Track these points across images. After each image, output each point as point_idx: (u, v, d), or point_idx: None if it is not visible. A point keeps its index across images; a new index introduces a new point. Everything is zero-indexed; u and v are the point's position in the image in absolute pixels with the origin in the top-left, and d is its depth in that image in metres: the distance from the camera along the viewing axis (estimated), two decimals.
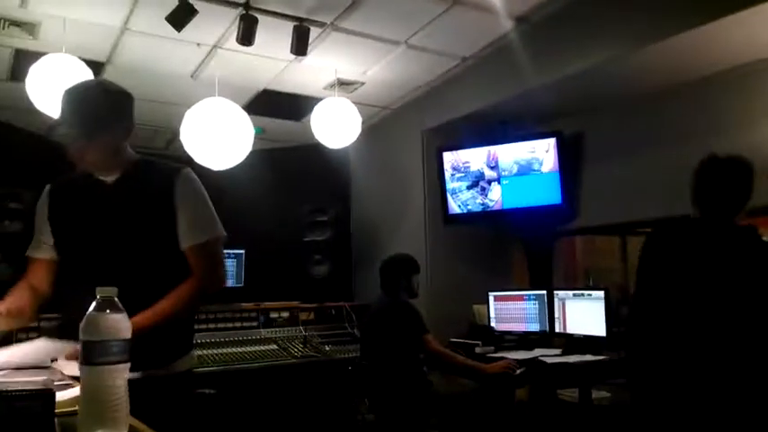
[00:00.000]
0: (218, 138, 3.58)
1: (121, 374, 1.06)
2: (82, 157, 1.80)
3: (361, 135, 4.08)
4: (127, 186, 1.86)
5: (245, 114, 3.73)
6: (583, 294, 3.64)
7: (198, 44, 3.52)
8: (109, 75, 3.81)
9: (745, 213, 2.27)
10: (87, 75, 3.17)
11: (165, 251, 1.82)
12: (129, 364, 1.08)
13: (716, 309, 2.09)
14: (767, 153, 3.22)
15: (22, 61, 3.50)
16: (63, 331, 1.71)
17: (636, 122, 3.83)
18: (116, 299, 1.09)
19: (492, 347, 3.68)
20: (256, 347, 3.74)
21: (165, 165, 1.96)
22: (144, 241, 1.80)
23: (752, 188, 2.24)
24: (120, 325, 1.07)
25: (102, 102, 1.82)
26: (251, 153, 3.78)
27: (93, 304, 1.08)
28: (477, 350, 3.63)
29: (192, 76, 3.93)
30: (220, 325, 3.89)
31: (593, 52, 3.29)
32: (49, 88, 3.07)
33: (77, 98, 1.80)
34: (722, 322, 2.08)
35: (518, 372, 3.24)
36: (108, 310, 1.07)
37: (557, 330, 3.76)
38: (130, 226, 1.80)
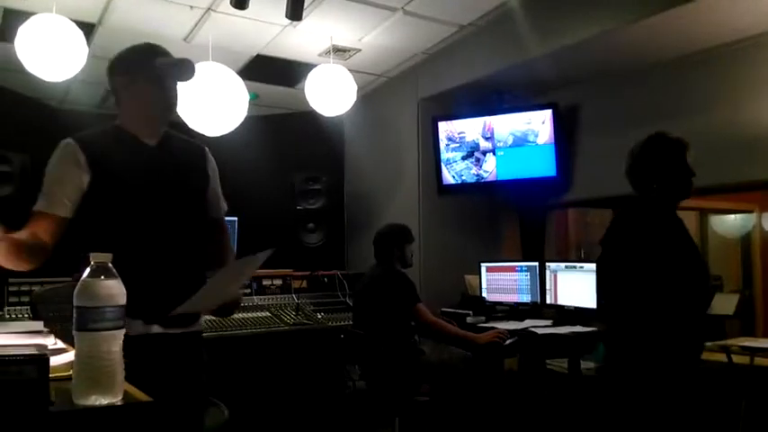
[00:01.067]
0: (212, 103, 3.54)
1: (116, 341, 1.05)
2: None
3: (356, 103, 4.03)
4: (168, 151, 1.88)
5: (239, 79, 3.68)
6: (575, 267, 3.66)
7: (191, 7, 3.45)
8: (100, 36, 3.73)
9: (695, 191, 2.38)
10: (78, 36, 3.11)
11: (202, 216, 1.93)
12: (123, 331, 1.07)
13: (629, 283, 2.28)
14: (755, 128, 3.22)
15: (11, 21, 3.42)
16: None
17: (631, 96, 3.81)
18: (110, 264, 1.08)
19: (483, 318, 3.71)
20: (249, 314, 3.75)
21: (184, 136, 2.01)
22: (192, 204, 1.88)
23: (684, 166, 2.33)
24: (115, 291, 1.07)
25: None
26: (245, 119, 3.74)
27: (87, 270, 1.07)
28: (469, 320, 3.66)
29: (185, 40, 3.86)
30: None
31: (592, 23, 3.26)
32: (38, 49, 3.01)
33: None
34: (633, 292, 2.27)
35: (508, 342, 3.28)
36: (102, 276, 1.06)
37: (548, 302, 3.80)
38: (180, 189, 1.85)
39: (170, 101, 1.85)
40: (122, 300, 1.07)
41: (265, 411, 3.59)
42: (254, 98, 4.67)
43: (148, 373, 1.36)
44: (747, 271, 4.99)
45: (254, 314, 3.80)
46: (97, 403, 1.01)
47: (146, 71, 1.81)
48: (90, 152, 1.75)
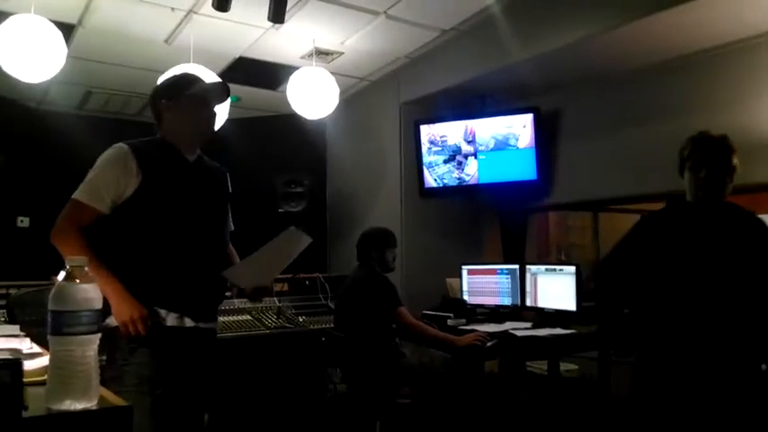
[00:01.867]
0: None
1: (91, 345, 1.05)
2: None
3: (338, 106, 4.04)
4: (204, 168, 2.11)
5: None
6: (555, 269, 3.69)
7: (172, 8, 3.44)
8: (80, 38, 3.70)
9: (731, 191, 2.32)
10: (57, 37, 3.08)
11: (227, 226, 2.19)
12: (99, 335, 1.07)
13: (717, 287, 2.17)
14: (743, 133, 3.27)
15: None
16: (156, 297, 1.87)
17: (611, 100, 3.86)
18: (86, 268, 1.08)
19: (464, 320, 3.72)
20: (229, 318, 3.73)
21: (210, 160, 2.23)
22: (221, 215, 2.14)
23: (735, 167, 2.30)
24: (90, 295, 1.06)
25: None
26: (226, 122, 3.72)
27: (62, 273, 1.06)
28: (450, 323, 3.67)
29: (166, 42, 3.84)
30: None
31: (573, 28, 3.29)
32: (16, 50, 2.97)
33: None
34: (723, 299, 2.16)
35: (488, 344, 3.29)
36: (78, 280, 1.06)
37: (528, 304, 3.82)
38: (213, 201, 2.09)
39: (209, 122, 2.09)
40: (98, 304, 1.07)
41: (246, 415, 3.58)
42: (236, 101, 4.65)
43: (179, 362, 1.85)
44: None
45: (235, 318, 3.79)
46: (72, 408, 1.01)
47: (188, 96, 2.03)
48: (141, 158, 1.92)
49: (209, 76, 3.58)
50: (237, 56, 4.13)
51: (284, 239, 2.01)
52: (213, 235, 2.06)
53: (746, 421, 2.15)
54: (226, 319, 3.68)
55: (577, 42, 3.30)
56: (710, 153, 2.30)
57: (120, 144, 1.95)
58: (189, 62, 3.61)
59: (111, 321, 1.84)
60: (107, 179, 1.89)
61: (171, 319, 1.89)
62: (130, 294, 1.81)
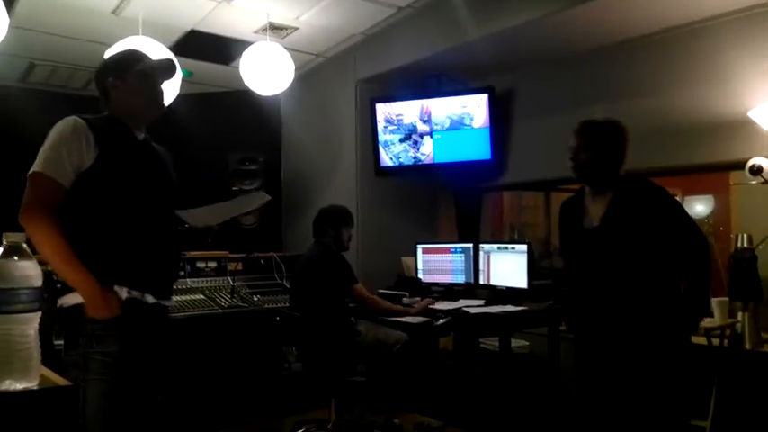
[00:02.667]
0: None
1: (31, 324, 1.02)
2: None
3: (293, 83, 3.98)
4: (152, 147, 2.07)
5: (171, 55, 3.56)
6: (507, 248, 3.75)
7: None
8: (23, 8, 3.54)
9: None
10: None
11: (176, 206, 2.12)
12: (39, 313, 1.04)
13: (617, 260, 2.37)
14: (679, 115, 3.37)
15: None
16: (118, 274, 1.82)
17: (563, 82, 3.91)
18: (24, 245, 1.04)
19: (419, 298, 3.76)
20: (182, 297, 3.68)
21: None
22: (172, 194, 2.10)
23: (625, 150, 2.46)
24: (30, 272, 1.03)
25: None
26: (178, 97, 3.63)
27: (1, 250, 1.02)
28: (405, 301, 3.70)
29: (113, 13, 3.70)
30: None
31: (530, 7, 3.31)
32: None
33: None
34: (624, 272, 2.35)
35: (441, 321, 3.35)
36: (16, 257, 1.02)
37: (481, 282, 3.88)
38: (164, 179, 2.06)
39: (158, 99, 2.03)
40: (38, 281, 1.04)
41: (201, 395, 3.55)
42: (188, 75, 4.54)
43: (141, 337, 1.84)
44: None
45: (188, 297, 3.73)
46: (12, 388, 0.98)
47: (133, 73, 1.98)
48: (96, 133, 1.84)
49: (159, 50, 3.49)
50: (189, 29, 4.02)
51: (246, 198, 2.15)
52: (168, 213, 2.04)
53: (656, 385, 2.32)
54: (179, 298, 3.62)
55: (532, 22, 3.33)
56: (594, 137, 2.46)
57: (74, 117, 1.87)
58: (138, 35, 3.49)
59: (66, 301, 1.79)
60: (70, 150, 1.80)
61: (134, 296, 1.87)
62: (105, 289, 1.78)
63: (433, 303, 3.48)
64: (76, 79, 4.70)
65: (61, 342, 1.83)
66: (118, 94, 1.98)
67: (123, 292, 1.81)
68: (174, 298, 3.62)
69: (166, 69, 2.08)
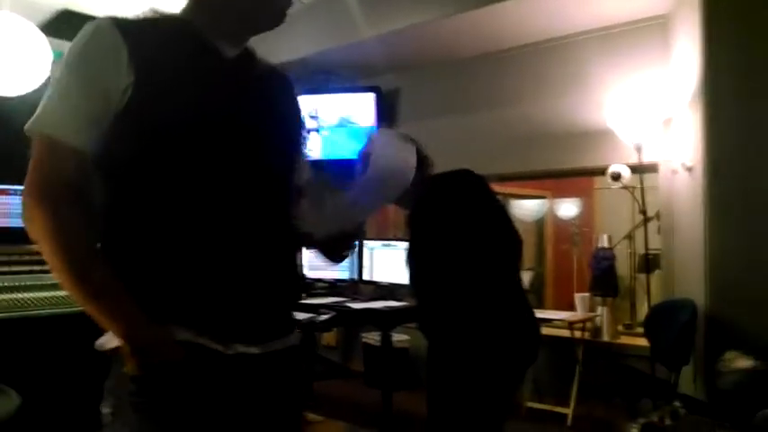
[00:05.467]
0: (7, 58, 3.16)
1: None
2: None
3: None
4: (252, 71, 1.20)
5: (41, 34, 3.32)
6: (389, 244, 3.84)
7: None
8: None
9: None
10: None
11: (295, 179, 1.22)
12: None
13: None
14: (552, 122, 3.62)
15: None
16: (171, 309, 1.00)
17: (447, 85, 4.07)
18: None
19: (303, 294, 3.76)
20: (44, 294, 3.44)
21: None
22: (287, 158, 1.18)
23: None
24: None
25: None
26: (48, 80, 3.40)
27: None
28: None
29: None
30: (14, 268, 3.48)
31: (419, 10, 3.42)
32: None
33: None
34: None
35: (324, 317, 3.38)
36: None
37: (365, 278, 3.95)
38: (272, 131, 1.13)
39: None
40: None
41: (64, 396, 3.34)
42: (60, 57, 4.25)
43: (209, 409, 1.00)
44: (540, 251, 5.58)
45: (51, 293, 3.50)
46: None
47: None
48: (134, 44, 1.02)
49: (26, 27, 3.25)
50: (61, 8, 3.77)
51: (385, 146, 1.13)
52: (273, 197, 1.12)
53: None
54: (37, 295, 3.38)
55: (421, 25, 3.44)
56: None
57: (99, 19, 1.08)
58: (3, 9, 3.23)
59: (103, 344, 1.09)
60: (87, 83, 1.02)
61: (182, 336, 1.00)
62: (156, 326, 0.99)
63: None
64: None
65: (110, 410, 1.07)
66: None
67: (184, 335, 1.00)
68: (33, 295, 3.39)
69: None
